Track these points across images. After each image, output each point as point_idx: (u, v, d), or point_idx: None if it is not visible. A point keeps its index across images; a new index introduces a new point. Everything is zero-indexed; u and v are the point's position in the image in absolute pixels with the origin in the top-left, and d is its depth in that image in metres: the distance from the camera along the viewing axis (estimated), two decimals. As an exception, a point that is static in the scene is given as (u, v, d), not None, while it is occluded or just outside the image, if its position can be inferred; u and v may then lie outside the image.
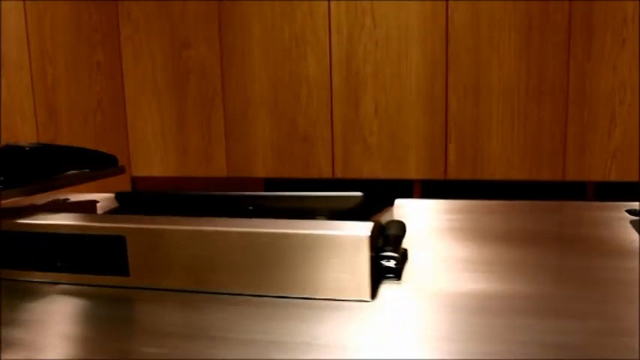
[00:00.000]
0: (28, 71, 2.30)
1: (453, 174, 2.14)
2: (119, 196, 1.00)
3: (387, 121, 2.13)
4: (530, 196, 2.14)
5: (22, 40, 2.28)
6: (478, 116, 2.10)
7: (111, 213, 0.95)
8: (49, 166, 0.97)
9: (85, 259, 0.76)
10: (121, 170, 1.05)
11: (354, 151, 2.16)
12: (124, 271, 0.74)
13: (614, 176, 2.08)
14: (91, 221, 0.78)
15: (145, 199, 1.07)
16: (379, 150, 2.15)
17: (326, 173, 2.18)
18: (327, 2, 2.10)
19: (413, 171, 2.15)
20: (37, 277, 0.79)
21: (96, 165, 1.08)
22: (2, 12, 2.27)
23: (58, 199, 1.16)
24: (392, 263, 0.74)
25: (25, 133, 2.34)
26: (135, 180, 2.32)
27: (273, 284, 0.70)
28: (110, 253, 0.75)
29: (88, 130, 2.31)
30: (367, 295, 0.66)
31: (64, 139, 2.33)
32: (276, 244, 0.69)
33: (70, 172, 1.03)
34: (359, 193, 0.89)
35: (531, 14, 2.03)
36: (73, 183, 1.02)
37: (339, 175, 2.17)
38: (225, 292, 0.72)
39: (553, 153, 2.09)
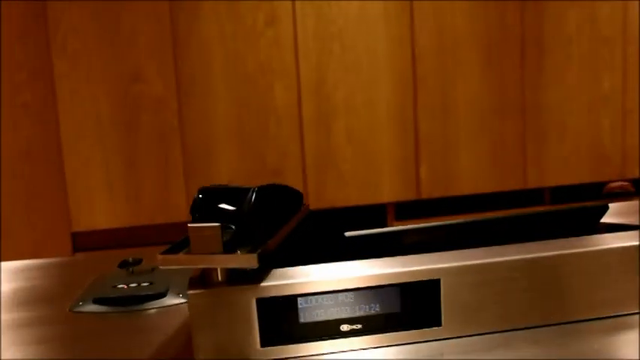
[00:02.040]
0: None
1: (425, 193, 2.26)
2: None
3: (360, 147, 2.19)
4: (497, 205, 2.34)
5: None
6: (446, 135, 2.25)
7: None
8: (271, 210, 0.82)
9: (385, 314, 0.69)
10: (307, 209, 0.94)
11: (327, 180, 2.19)
12: (435, 320, 0.70)
13: (567, 180, 2.36)
14: (390, 267, 0.71)
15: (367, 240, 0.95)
16: (353, 177, 2.20)
17: (300, 206, 2.18)
18: (293, 29, 2.10)
19: (387, 194, 2.23)
20: (318, 349, 0.71)
21: (289, 204, 0.95)
22: None
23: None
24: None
25: None
26: (75, 236, 2.12)
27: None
28: (421, 301, 0.69)
29: (16, 184, 2.06)
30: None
31: (-19, 198, 2.05)
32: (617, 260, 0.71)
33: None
34: (603, 204, 0.92)
35: (490, 36, 2.22)
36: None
37: (312, 206, 2.18)
38: (572, 320, 0.71)
39: (515, 164, 2.31)
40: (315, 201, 2.18)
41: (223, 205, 0.72)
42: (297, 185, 2.20)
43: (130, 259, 1.12)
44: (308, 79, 2.12)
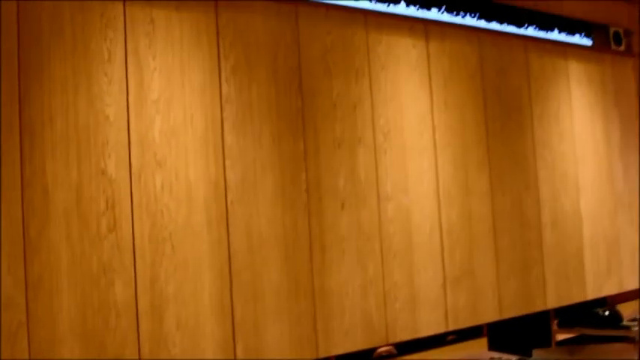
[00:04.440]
0: None
1: (241, 370, 2.71)
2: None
3: (188, 333, 2.59)
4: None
5: None
6: (257, 317, 2.76)
7: None
8: None
9: None
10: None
11: (160, 364, 2.54)
12: None
13: (349, 348, 3.00)
14: None
15: None
16: None
17: (134, 391, 2.48)
18: (131, 234, 2.52)
19: (210, 374, 2.64)
20: None
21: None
22: None
23: None
24: None
25: None
26: None
27: None
28: None
29: None
30: None
31: None
32: None
33: None
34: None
35: (287, 237, 2.87)
36: None
37: (146, 390, 2.50)
38: None
39: (309, 337, 2.89)
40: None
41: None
42: (133, 371, 2.55)
43: None
44: (144, 276, 2.53)
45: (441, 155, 3.49)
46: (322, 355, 2.93)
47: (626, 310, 4.36)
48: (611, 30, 4.55)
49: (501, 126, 3.82)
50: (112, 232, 2.49)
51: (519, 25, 3.97)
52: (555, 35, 4.20)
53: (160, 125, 2.64)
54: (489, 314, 3.64)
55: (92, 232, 2.45)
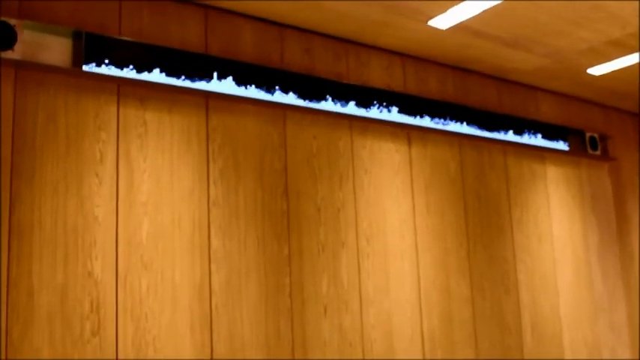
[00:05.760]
0: None
1: None
2: None
3: None
4: None
5: None
6: None
7: None
8: None
9: None
10: None
11: None
12: None
13: None
14: None
15: None
16: None
17: None
18: (114, 339, 2.55)
19: None
20: None
21: None
22: None
23: None
24: None
25: None
26: None
27: None
28: None
29: None
30: None
31: None
32: None
33: None
34: None
35: (269, 340, 2.92)
36: None
37: None
38: None
39: None
40: None
41: None
42: None
43: None
44: (124, 380, 2.55)
45: (422, 259, 3.61)
46: None
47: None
48: (587, 135, 4.79)
49: (481, 229, 3.97)
50: (95, 336, 2.53)
51: (498, 131, 4.19)
52: (533, 140, 4.42)
53: (148, 227, 2.73)
54: (470, 420, 3.66)
55: (75, 336, 2.49)
